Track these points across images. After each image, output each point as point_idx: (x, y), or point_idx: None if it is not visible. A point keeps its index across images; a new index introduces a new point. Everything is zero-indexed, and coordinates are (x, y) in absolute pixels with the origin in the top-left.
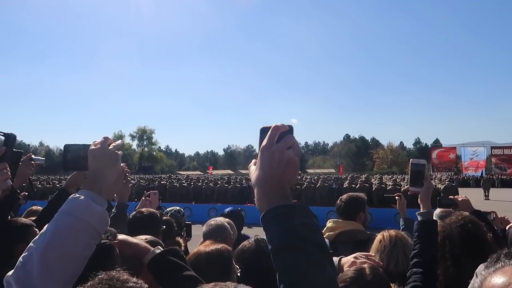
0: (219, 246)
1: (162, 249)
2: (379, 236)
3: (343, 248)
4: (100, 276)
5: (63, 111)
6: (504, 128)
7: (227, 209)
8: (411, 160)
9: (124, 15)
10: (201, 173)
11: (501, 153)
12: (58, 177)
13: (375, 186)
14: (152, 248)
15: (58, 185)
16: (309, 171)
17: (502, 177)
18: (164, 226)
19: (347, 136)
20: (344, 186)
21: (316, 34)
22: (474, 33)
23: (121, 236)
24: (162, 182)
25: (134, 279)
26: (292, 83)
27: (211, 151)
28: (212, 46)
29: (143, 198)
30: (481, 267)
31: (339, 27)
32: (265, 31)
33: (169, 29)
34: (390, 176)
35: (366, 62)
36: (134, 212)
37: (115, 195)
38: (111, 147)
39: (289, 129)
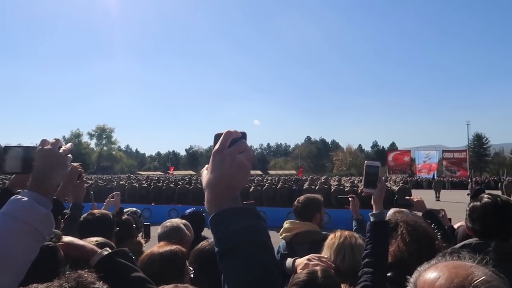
0: (172, 247)
1: (110, 251)
2: (331, 235)
3: (300, 248)
4: (68, 274)
5: (18, 108)
6: (455, 133)
7: (188, 210)
8: (366, 162)
9: (88, 11)
10: (162, 174)
11: (452, 157)
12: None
13: (334, 188)
14: (100, 250)
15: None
16: (271, 172)
17: (452, 179)
18: (118, 228)
19: (308, 138)
20: (304, 187)
21: (279, 37)
22: (432, 38)
23: (66, 238)
24: (121, 183)
25: (101, 283)
26: (256, 85)
27: (173, 151)
28: (175, 45)
29: (109, 199)
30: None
31: (302, 30)
32: (229, 33)
33: (132, 27)
34: (348, 178)
35: (328, 65)
36: (85, 214)
37: (68, 196)
38: (61, 150)
39: (242, 135)
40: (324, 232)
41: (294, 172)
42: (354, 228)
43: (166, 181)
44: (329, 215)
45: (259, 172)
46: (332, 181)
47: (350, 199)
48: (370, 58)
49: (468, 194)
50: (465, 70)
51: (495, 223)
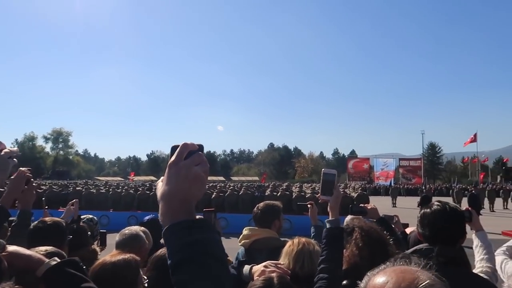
0: (126, 256)
1: (59, 261)
2: (289, 241)
3: (258, 255)
4: None
5: None
6: (411, 142)
7: (147, 217)
8: (323, 170)
9: (47, 11)
10: (122, 179)
11: (408, 165)
12: None
13: (295, 194)
14: (47, 260)
15: None
16: (234, 178)
17: (408, 186)
18: (72, 236)
19: (271, 144)
20: (266, 193)
21: (243, 44)
22: (390, 50)
23: (11, 248)
24: (77, 189)
25: None
26: (220, 91)
27: (134, 156)
28: (138, 51)
29: (69, 207)
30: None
31: (266, 39)
32: (192, 40)
33: (94, 31)
34: (310, 185)
35: (291, 74)
36: (35, 222)
37: (18, 202)
38: (3, 152)
39: (199, 148)
40: (282, 239)
41: (257, 178)
42: (312, 234)
43: (126, 187)
44: (290, 221)
45: (221, 178)
46: (293, 188)
47: (308, 205)
48: (331, 68)
49: (417, 202)
50: (420, 81)
51: (443, 228)
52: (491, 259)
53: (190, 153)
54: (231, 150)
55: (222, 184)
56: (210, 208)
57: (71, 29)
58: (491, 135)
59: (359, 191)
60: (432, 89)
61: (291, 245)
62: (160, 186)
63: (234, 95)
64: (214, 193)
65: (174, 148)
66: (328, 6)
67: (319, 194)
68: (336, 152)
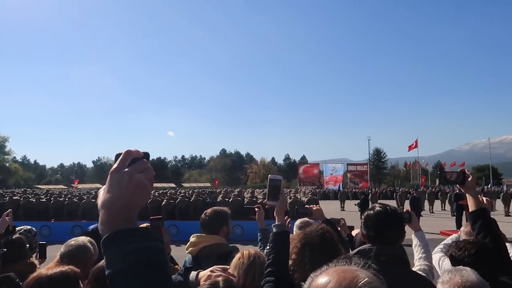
0: (64, 268)
1: None
2: (238, 254)
3: (206, 262)
4: None
5: None
6: (358, 147)
7: (91, 226)
8: (269, 176)
9: None
10: (65, 187)
11: (355, 169)
12: None
13: (247, 200)
14: None
15: None
16: (185, 185)
17: (355, 190)
18: (6, 249)
19: (224, 150)
20: (218, 200)
21: (192, 50)
22: (336, 60)
23: None
24: (14, 198)
25: None
26: (169, 97)
27: (78, 163)
28: (82, 54)
29: (3, 218)
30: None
31: (215, 45)
32: (138, 44)
33: (35, 32)
34: (261, 190)
35: (242, 80)
36: None
37: None
38: None
39: (144, 155)
40: (231, 245)
41: (209, 184)
42: (259, 238)
43: (69, 196)
44: (242, 227)
45: (172, 185)
46: (245, 193)
47: (256, 209)
48: (282, 76)
49: (355, 204)
50: (366, 90)
51: (384, 229)
52: (428, 257)
53: (134, 160)
54: (183, 156)
55: (173, 191)
56: (158, 215)
57: (12, 32)
58: (431, 141)
59: (309, 195)
60: (377, 97)
61: (240, 257)
62: (102, 194)
63: (185, 101)
64: (165, 200)
65: (118, 156)
66: (278, 16)
67: (265, 199)
68: (287, 158)
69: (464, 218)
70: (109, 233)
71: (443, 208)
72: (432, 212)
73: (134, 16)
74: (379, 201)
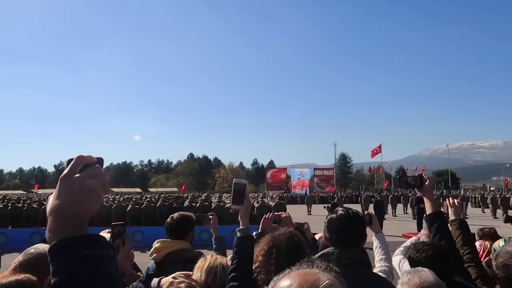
0: (19, 276)
1: None
2: (201, 258)
3: (172, 268)
4: None
5: None
6: (324, 152)
7: None
8: (234, 180)
9: None
10: (24, 193)
11: (322, 174)
12: None
13: (214, 205)
14: None
15: None
16: (151, 190)
17: (322, 194)
18: None
19: (191, 155)
20: (185, 205)
21: (157, 54)
22: (303, 65)
23: None
24: None
25: None
26: (136, 100)
27: (39, 167)
28: (42, 51)
29: None
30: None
31: (179, 49)
32: (103, 44)
33: None
34: (229, 195)
35: (211, 84)
36: None
37: None
38: None
39: (98, 161)
40: (196, 250)
41: (176, 189)
42: (214, 246)
43: (28, 201)
44: (209, 232)
45: (138, 190)
46: (213, 198)
47: (210, 216)
48: (251, 81)
49: (324, 207)
50: (333, 96)
51: (347, 232)
52: (388, 258)
53: (86, 166)
54: (149, 161)
55: (139, 196)
56: (121, 221)
57: None
58: (394, 147)
59: (276, 200)
60: (343, 104)
61: (203, 260)
62: (51, 200)
63: (153, 105)
64: (130, 205)
65: (70, 161)
66: (243, 21)
67: (229, 204)
68: (255, 163)
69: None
70: (56, 240)
71: (405, 212)
72: (395, 216)
73: (96, 15)
74: (345, 205)
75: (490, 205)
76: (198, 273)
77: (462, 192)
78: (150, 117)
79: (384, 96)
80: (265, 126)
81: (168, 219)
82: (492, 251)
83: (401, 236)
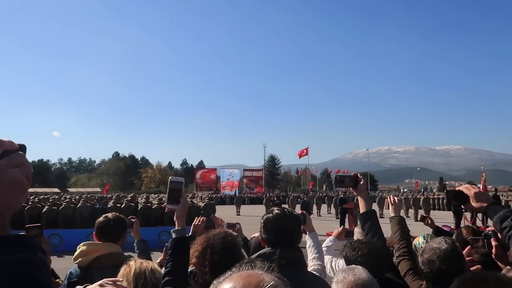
0: None
1: None
2: (124, 265)
3: (101, 273)
4: None
5: None
6: (254, 154)
7: None
8: (170, 177)
9: None
10: None
11: (251, 175)
12: None
13: (141, 206)
14: None
15: None
16: (71, 190)
17: (251, 195)
18: None
19: (117, 153)
20: (109, 205)
21: (81, 45)
22: (237, 64)
23: None
24: None
25: None
26: (57, 94)
27: None
28: None
29: None
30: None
31: (107, 40)
32: (25, 36)
33: None
34: (157, 195)
35: (140, 78)
36: None
37: None
38: None
39: (20, 147)
40: (126, 254)
41: (99, 189)
42: (137, 251)
43: None
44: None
45: (56, 190)
46: (139, 199)
47: (133, 220)
48: (181, 78)
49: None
50: (262, 98)
51: (285, 232)
52: (321, 257)
53: (6, 152)
54: (69, 159)
55: (57, 196)
56: (37, 223)
57: None
58: (320, 150)
59: (206, 200)
60: (274, 107)
61: (126, 267)
62: None
63: (74, 99)
64: (46, 206)
65: None
66: (179, 14)
67: (165, 203)
68: (184, 163)
69: (347, 220)
70: None
71: (329, 212)
72: (320, 215)
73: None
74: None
75: (403, 205)
76: (124, 281)
77: (380, 193)
78: (71, 112)
79: (312, 101)
80: (195, 126)
81: (101, 219)
82: (413, 247)
83: (325, 235)
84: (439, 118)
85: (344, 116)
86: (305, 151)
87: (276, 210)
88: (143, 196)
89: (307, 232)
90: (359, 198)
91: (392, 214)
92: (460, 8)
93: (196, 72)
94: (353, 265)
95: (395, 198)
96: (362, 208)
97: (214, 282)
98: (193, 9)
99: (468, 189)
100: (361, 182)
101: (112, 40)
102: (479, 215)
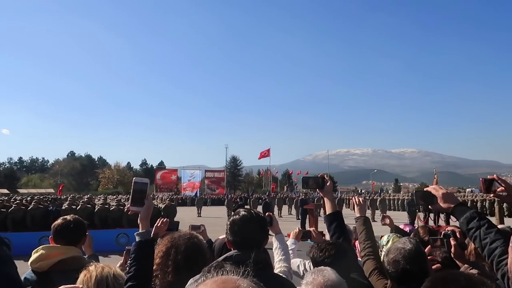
0: None
1: None
2: (84, 271)
3: (62, 279)
4: None
5: None
6: (216, 155)
7: None
8: (134, 178)
9: None
10: None
11: (212, 176)
12: None
13: (98, 207)
14: None
15: None
16: (22, 191)
17: (212, 196)
18: None
19: (72, 153)
20: (63, 207)
21: (33, 41)
22: (199, 65)
23: None
24: None
25: None
26: (4, 89)
27: None
28: None
29: None
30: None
31: (66, 37)
32: None
33: None
34: (115, 196)
35: (97, 75)
36: None
37: None
38: None
39: None
40: (89, 259)
41: (52, 190)
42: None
43: None
44: (128, 235)
45: (5, 191)
46: (96, 200)
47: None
48: (141, 74)
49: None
50: (224, 100)
51: (252, 233)
52: (287, 259)
53: None
54: (20, 158)
55: (6, 198)
56: None
57: None
58: (281, 151)
59: (166, 201)
60: (235, 107)
61: (86, 273)
62: None
63: (25, 95)
64: None
65: None
66: (139, 11)
67: (128, 205)
68: (144, 163)
69: (307, 220)
70: None
71: (289, 213)
72: (281, 216)
73: None
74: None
75: (368, 206)
76: (85, 286)
77: (339, 194)
78: (22, 109)
79: (274, 103)
80: (156, 125)
81: (59, 221)
82: (380, 245)
83: (286, 236)
84: (395, 122)
85: (305, 118)
86: (266, 152)
87: (242, 212)
88: (100, 197)
89: (274, 234)
90: (325, 199)
91: (358, 215)
92: (401, 5)
93: (156, 70)
94: (322, 267)
95: (360, 199)
96: (328, 209)
97: (188, 286)
98: (154, 5)
99: (436, 190)
100: (327, 184)
101: (67, 36)
102: (431, 215)
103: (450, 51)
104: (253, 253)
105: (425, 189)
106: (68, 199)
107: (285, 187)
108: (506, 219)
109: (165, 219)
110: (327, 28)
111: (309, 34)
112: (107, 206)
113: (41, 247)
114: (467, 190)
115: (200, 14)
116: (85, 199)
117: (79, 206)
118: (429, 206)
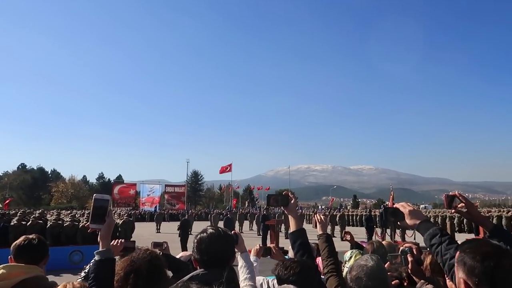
0: None
1: None
2: (62, 285)
3: None
4: None
5: None
6: (177, 169)
7: None
8: (94, 195)
9: None
10: None
11: (173, 191)
12: None
13: (51, 223)
14: None
15: None
16: None
17: (172, 211)
18: None
19: (23, 165)
20: (12, 223)
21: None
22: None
23: None
24: None
25: None
26: None
27: None
28: None
29: None
30: None
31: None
32: None
33: None
34: (69, 212)
35: (47, 88)
36: None
37: None
38: None
39: None
40: (50, 280)
41: None
42: None
43: None
44: (82, 252)
45: None
46: (49, 215)
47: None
48: (96, 86)
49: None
50: (187, 114)
51: (219, 252)
52: (252, 277)
53: None
54: None
55: None
56: None
57: None
58: (242, 166)
59: (124, 217)
60: (197, 121)
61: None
62: None
63: None
64: None
65: None
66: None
67: (88, 223)
68: (101, 177)
69: (269, 236)
70: None
71: (250, 228)
72: (242, 232)
73: None
74: (196, 222)
75: (328, 223)
76: None
77: (300, 210)
78: None
79: (236, 118)
80: (113, 139)
81: (21, 239)
82: (343, 260)
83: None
84: (353, 138)
85: (266, 134)
86: (228, 167)
87: (210, 230)
88: (53, 213)
89: (239, 252)
90: (289, 216)
91: (320, 232)
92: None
93: (112, 82)
94: (285, 285)
95: (322, 216)
96: (292, 227)
97: None
98: (105, 14)
99: (403, 207)
100: (292, 201)
101: (15, 45)
102: (388, 231)
103: (402, 67)
104: (225, 272)
105: (394, 205)
106: (18, 214)
107: (247, 202)
108: (465, 235)
109: (121, 240)
110: (282, 44)
111: (267, 50)
112: (60, 222)
113: (2, 265)
114: (421, 206)
115: (154, 27)
116: (37, 215)
117: (29, 222)
118: (398, 223)
